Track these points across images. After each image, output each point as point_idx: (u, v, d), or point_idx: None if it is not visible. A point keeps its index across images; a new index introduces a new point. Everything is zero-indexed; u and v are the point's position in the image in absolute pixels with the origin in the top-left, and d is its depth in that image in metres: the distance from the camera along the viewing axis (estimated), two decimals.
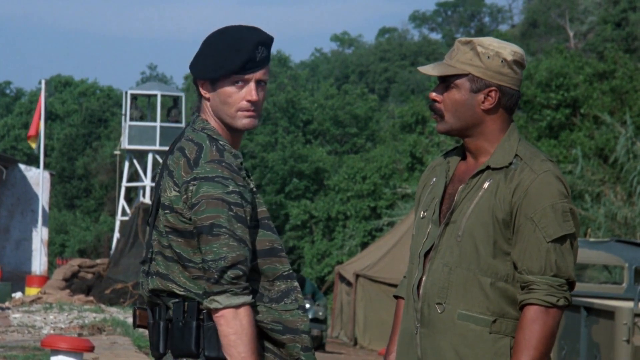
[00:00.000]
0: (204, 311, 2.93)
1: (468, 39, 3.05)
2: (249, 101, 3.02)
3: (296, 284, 3.02)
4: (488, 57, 3.00)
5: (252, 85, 3.03)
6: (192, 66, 3.05)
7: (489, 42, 3.03)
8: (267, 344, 2.98)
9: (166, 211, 2.96)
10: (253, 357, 2.88)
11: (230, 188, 2.91)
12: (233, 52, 3.00)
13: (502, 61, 3.01)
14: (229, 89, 3.02)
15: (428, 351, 3.02)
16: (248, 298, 2.88)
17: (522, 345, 2.94)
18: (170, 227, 2.95)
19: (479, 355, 2.98)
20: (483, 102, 3.02)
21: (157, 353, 3.01)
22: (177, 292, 2.95)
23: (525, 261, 2.96)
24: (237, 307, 2.87)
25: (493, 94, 3.02)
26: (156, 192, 3.05)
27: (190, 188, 2.92)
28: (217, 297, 2.87)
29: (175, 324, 2.95)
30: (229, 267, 2.86)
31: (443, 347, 3.00)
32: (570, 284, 2.99)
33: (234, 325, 2.86)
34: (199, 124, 3.04)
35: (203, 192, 2.90)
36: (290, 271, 3.00)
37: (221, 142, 2.99)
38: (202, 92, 3.04)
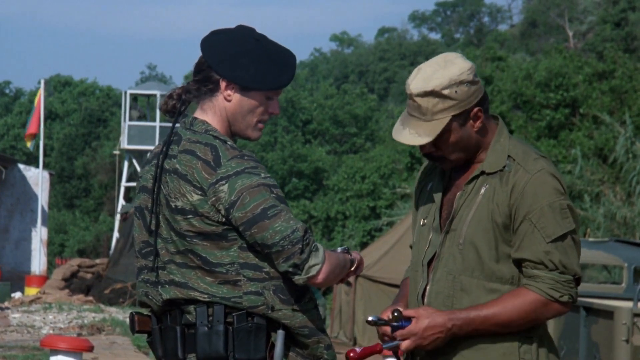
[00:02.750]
0: (234, 313, 2.91)
1: (425, 88, 2.97)
2: (271, 114, 3.04)
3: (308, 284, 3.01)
4: (455, 91, 2.98)
5: (276, 99, 3.05)
6: (223, 67, 2.99)
7: (446, 80, 2.97)
8: (291, 345, 2.99)
9: (188, 216, 2.91)
10: (346, 261, 3.02)
11: (262, 175, 2.91)
12: (284, 69, 3.02)
13: (466, 85, 2.99)
14: (260, 100, 3.01)
15: (437, 357, 3.03)
16: (321, 247, 2.93)
17: (496, 305, 2.94)
18: (195, 232, 2.91)
19: (487, 356, 2.98)
20: (475, 125, 3.02)
21: (175, 358, 2.97)
22: (201, 299, 2.92)
23: (529, 262, 2.97)
24: (325, 259, 2.90)
25: (478, 112, 3.02)
26: (156, 197, 2.97)
27: (220, 188, 2.88)
28: (310, 262, 2.88)
29: (200, 329, 2.92)
30: (304, 234, 2.88)
31: (451, 353, 3.01)
32: (577, 280, 2.99)
33: (331, 267, 2.92)
34: (199, 126, 2.99)
35: (240, 186, 2.88)
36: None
37: (229, 143, 2.97)
38: (227, 93, 2.99)
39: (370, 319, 3.03)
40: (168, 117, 3.08)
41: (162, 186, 2.97)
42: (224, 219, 2.90)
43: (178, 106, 3.04)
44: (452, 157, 3.03)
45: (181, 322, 2.96)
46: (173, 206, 2.94)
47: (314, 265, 2.88)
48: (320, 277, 2.89)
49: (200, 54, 3.06)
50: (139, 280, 3.06)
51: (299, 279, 2.89)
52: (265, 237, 2.87)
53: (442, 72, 2.98)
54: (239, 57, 2.99)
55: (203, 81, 3.01)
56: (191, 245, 2.92)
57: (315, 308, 3.01)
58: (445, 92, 2.97)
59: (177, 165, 2.95)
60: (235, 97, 3.00)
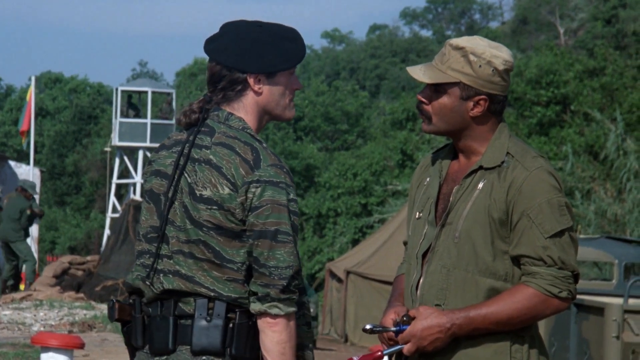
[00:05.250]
0: (237, 310, 2.90)
1: (460, 43, 3.03)
2: (296, 89, 3.05)
3: (304, 299, 3.01)
4: (480, 65, 3.00)
5: (295, 75, 3.07)
6: (247, 63, 2.97)
7: (482, 50, 3.02)
8: None
9: (213, 207, 2.89)
10: None
11: (291, 196, 2.91)
12: (295, 43, 3.02)
13: (493, 70, 3.01)
14: (286, 81, 3.02)
15: (428, 357, 3.02)
16: (295, 307, 2.91)
17: (495, 303, 2.95)
18: (214, 224, 2.89)
19: (479, 354, 2.99)
20: (472, 109, 3.03)
21: (164, 348, 2.94)
22: (205, 294, 2.90)
23: (527, 258, 2.97)
24: (290, 315, 2.89)
25: (482, 102, 3.03)
26: (176, 184, 2.94)
27: (252, 190, 2.88)
28: (279, 304, 2.86)
29: (198, 321, 2.90)
30: (294, 276, 2.88)
31: (443, 352, 3.00)
32: (575, 277, 3.00)
33: (287, 333, 2.88)
34: (236, 122, 2.98)
35: (268, 196, 2.87)
36: (300, 286, 2.98)
37: (264, 145, 2.97)
38: (257, 87, 2.98)
39: (367, 327, 3.02)
40: (185, 128, 3.03)
41: (186, 174, 2.95)
42: (245, 219, 2.89)
43: (200, 117, 3.01)
44: (434, 119, 3.05)
45: (174, 313, 2.93)
46: (198, 195, 2.91)
47: (280, 308, 2.87)
48: (272, 321, 2.87)
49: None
50: (137, 264, 3.02)
51: (258, 307, 2.88)
52: (263, 255, 2.87)
53: (485, 46, 3.03)
54: (255, 47, 2.98)
55: (229, 86, 2.99)
56: (206, 237, 2.90)
57: (305, 325, 3.01)
58: (472, 58, 3.00)
59: (211, 156, 2.93)
60: (265, 87, 3.00)
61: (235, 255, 2.90)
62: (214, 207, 2.89)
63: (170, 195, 2.95)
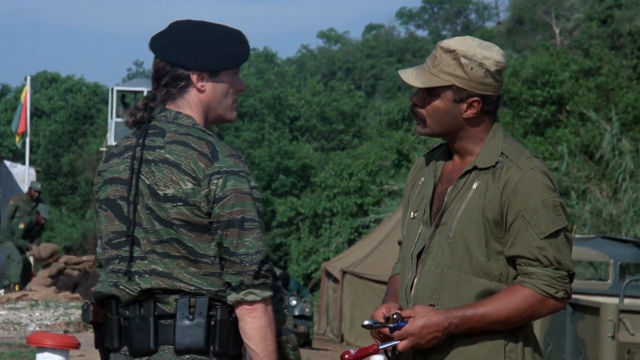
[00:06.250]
0: (217, 306, 2.92)
1: (451, 46, 3.03)
2: (239, 91, 3.05)
3: (279, 283, 3.03)
4: (471, 68, 3.00)
5: (238, 76, 3.06)
6: (190, 60, 2.98)
7: (473, 52, 3.01)
8: None
9: (179, 204, 2.90)
10: (276, 349, 2.94)
11: (252, 183, 2.94)
12: (238, 43, 3.03)
13: (485, 72, 3.01)
14: (230, 80, 3.03)
15: (423, 355, 3.03)
16: (271, 291, 2.92)
17: (491, 302, 2.95)
18: (183, 220, 2.90)
19: (473, 353, 2.99)
20: (466, 111, 3.04)
21: (146, 349, 2.93)
22: (186, 290, 2.91)
23: (523, 259, 2.97)
24: (267, 300, 2.91)
25: (476, 104, 3.03)
26: (135, 186, 2.95)
27: (214, 181, 2.90)
28: (254, 290, 2.88)
29: (180, 320, 2.91)
30: (264, 260, 2.90)
31: (437, 351, 3.00)
32: (571, 276, 3.01)
33: (266, 318, 2.90)
34: (184, 119, 2.99)
35: (231, 186, 2.90)
36: (272, 270, 2.99)
37: (216, 138, 2.98)
38: (200, 85, 2.99)
39: (366, 323, 3.01)
40: (136, 128, 3.04)
41: (143, 177, 2.96)
42: (210, 211, 2.91)
43: (146, 115, 3.02)
44: (428, 122, 3.06)
45: (154, 313, 2.93)
46: (162, 194, 2.92)
47: (256, 294, 2.89)
48: (250, 308, 2.89)
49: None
50: (108, 271, 3.03)
51: (234, 297, 2.89)
52: (232, 243, 2.89)
53: (477, 47, 3.03)
54: (198, 45, 2.99)
55: (172, 82, 3.00)
56: (178, 235, 2.91)
57: (284, 309, 3.03)
58: (464, 61, 3.00)
59: (167, 155, 2.94)
60: (208, 85, 3.00)
61: (207, 249, 2.91)
62: (180, 204, 2.91)
63: (129, 198, 2.95)
